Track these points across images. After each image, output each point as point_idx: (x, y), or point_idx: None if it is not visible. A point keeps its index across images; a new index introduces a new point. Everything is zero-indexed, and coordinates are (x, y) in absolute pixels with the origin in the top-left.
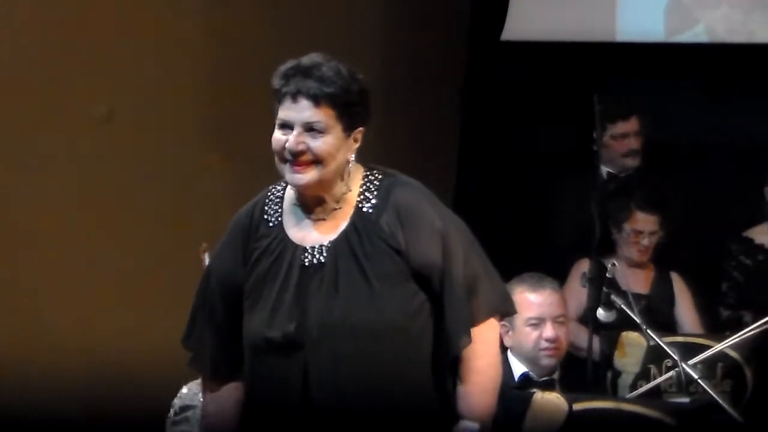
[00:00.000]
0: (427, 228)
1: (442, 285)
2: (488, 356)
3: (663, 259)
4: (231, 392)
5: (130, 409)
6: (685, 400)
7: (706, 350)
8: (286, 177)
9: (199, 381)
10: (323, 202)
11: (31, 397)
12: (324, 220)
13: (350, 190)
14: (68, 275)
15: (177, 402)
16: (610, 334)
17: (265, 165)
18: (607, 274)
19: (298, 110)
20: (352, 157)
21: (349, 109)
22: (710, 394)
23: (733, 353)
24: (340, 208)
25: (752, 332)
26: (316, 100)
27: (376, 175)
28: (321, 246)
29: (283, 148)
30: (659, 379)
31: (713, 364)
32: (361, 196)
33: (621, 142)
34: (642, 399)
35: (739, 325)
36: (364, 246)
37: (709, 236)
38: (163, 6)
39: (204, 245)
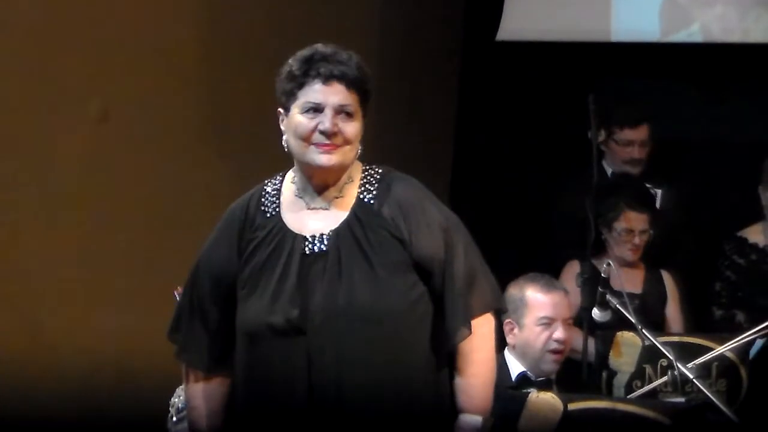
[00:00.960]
0: (430, 221)
1: (443, 278)
2: (486, 350)
3: (656, 258)
4: (219, 386)
5: (127, 409)
6: (681, 399)
7: (701, 350)
8: (309, 158)
9: None
10: (327, 189)
11: (28, 397)
12: (324, 209)
13: (352, 181)
14: (64, 274)
15: (177, 401)
16: (605, 334)
17: (262, 164)
18: (602, 274)
19: (332, 93)
20: (360, 147)
21: (367, 96)
22: (705, 393)
23: (728, 353)
24: (342, 197)
25: (752, 336)
26: (349, 83)
27: (376, 169)
28: (321, 235)
29: (312, 130)
30: (657, 382)
31: (708, 364)
32: (362, 188)
33: (624, 149)
34: (637, 399)
35: (732, 324)
36: (367, 235)
37: (703, 235)
38: (159, 5)
39: (178, 288)
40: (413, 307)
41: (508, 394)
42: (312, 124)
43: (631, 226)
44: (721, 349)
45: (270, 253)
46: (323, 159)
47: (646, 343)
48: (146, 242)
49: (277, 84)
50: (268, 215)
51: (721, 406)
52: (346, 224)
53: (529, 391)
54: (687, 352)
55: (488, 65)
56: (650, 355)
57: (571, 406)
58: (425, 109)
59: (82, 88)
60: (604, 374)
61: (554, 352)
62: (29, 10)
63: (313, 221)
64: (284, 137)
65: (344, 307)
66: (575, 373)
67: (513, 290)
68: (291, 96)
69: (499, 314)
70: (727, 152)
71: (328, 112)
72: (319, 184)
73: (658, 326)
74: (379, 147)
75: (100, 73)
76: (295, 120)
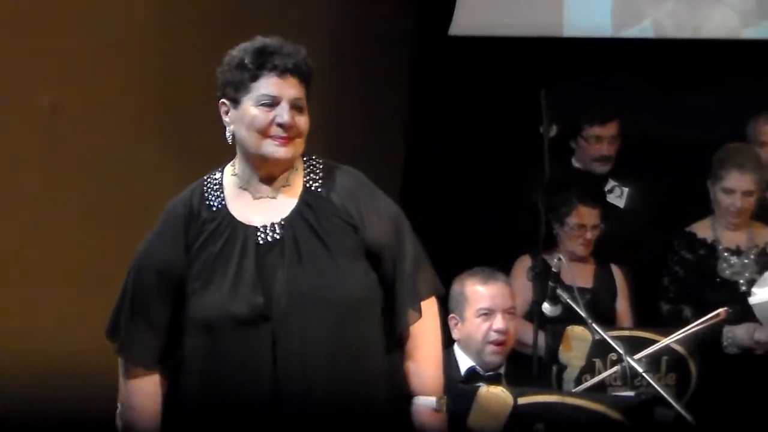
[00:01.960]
0: (379, 209)
1: (393, 263)
2: (434, 331)
3: (605, 253)
4: (157, 385)
5: (75, 408)
6: (630, 393)
7: (650, 344)
8: (265, 150)
9: None
10: (273, 180)
11: None
12: (271, 198)
13: (296, 170)
14: (11, 274)
15: None
16: (556, 328)
17: (215, 161)
18: (553, 269)
19: (287, 86)
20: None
21: (310, 89)
22: (655, 387)
23: (677, 347)
24: (289, 185)
25: (697, 327)
26: (301, 77)
27: (317, 159)
28: (273, 224)
29: (270, 123)
30: (605, 374)
31: (658, 358)
32: (307, 176)
33: (593, 146)
34: (587, 393)
35: (679, 319)
36: (320, 222)
37: (652, 230)
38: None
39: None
40: (370, 293)
41: (458, 388)
42: (269, 116)
43: (583, 221)
44: (666, 341)
45: (222, 245)
46: (281, 152)
47: (596, 337)
48: (94, 240)
49: (222, 74)
50: (214, 209)
51: (671, 400)
52: (297, 212)
53: (479, 385)
54: (636, 347)
55: (441, 60)
56: (600, 349)
57: (521, 400)
58: (378, 104)
59: (29, 83)
60: (554, 368)
61: (495, 343)
62: None
63: (261, 211)
64: (229, 128)
65: (309, 292)
66: (525, 367)
67: (455, 285)
68: (242, 88)
69: (444, 301)
70: (677, 147)
71: (285, 105)
72: (266, 175)
73: (608, 321)
74: (332, 143)
75: (48, 68)
76: (250, 112)
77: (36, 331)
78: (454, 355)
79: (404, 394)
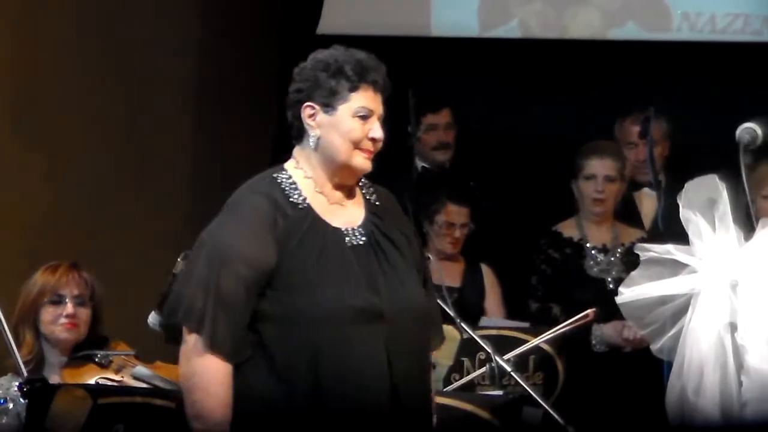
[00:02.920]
0: (413, 229)
1: (424, 282)
2: None
3: (474, 252)
4: (230, 377)
5: None
6: (498, 392)
7: (518, 343)
8: (354, 161)
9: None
10: (344, 188)
11: None
12: (342, 206)
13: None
14: None
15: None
16: None
17: (71, 157)
18: None
19: (379, 103)
20: None
21: None
22: (522, 386)
23: (545, 346)
24: (353, 196)
25: (565, 328)
26: (384, 96)
27: None
28: (353, 228)
29: (365, 135)
30: (474, 374)
31: (525, 357)
32: (363, 190)
33: (431, 135)
34: (455, 392)
35: (548, 318)
36: (390, 232)
37: (520, 230)
38: None
39: None
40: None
41: None
42: (365, 129)
43: (452, 219)
44: (535, 341)
45: (319, 243)
46: (368, 165)
47: (465, 336)
48: None
49: (313, 78)
50: (300, 206)
51: (538, 399)
52: (369, 220)
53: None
54: (505, 345)
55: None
56: (468, 348)
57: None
58: (244, 105)
59: None
60: None
61: None
62: None
63: (337, 216)
64: (314, 132)
65: (405, 298)
66: None
67: None
68: (339, 95)
69: None
70: (543, 147)
71: (376, 121)
72: (340, 183)
73: (477, 319)
74: (198, 146)
75: None
76: (347, 122)
77: None
78: None
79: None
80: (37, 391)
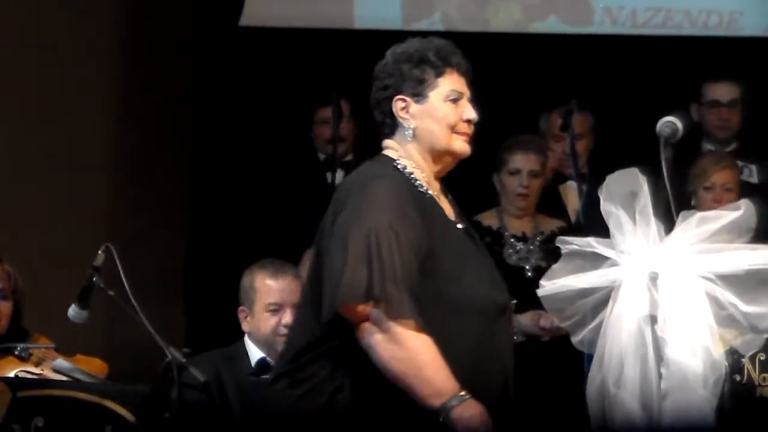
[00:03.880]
0: None
1: None
2: None
3: None
4: None
5: None
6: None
7: None
8: (455, 146)
9: None
10: (439, 178)
11: None
12: (439, 196)
13: None
14: None
15: None
16: None
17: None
18: None
19: (465, 84)
20: None
21: None
22: None
23: None
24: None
25: None
26: (468, 78)
27: None
28: (455, 220)
29: (459, 118)
30: None
31: None
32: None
33: (321, 128)
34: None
35: None
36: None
37: None
38: None
39: None
40: None
41: (249, 380)
42: (458, 112)
43: None
44: None
45: (455, 233)
46: (467, 148)
47: None
48: None
49: (398, 72)
50: (427, 195)
51: None
52: (459, 212)
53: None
54: None
55: (230, 51)
56: None
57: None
58: (165, 96)
59: None
60: None
61: (285, 335)
62: None
63: (445, 207)
64: (410, 123)
65: (506, 294)
66: None
67: (245, 278)
68: (428, 83)
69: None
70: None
71: (467, 103)
72: (440, 172)
73: None
74: (120, 137)
75: None
76: (441, 108)
77: None
78: (244, 347)
79: None
80: None
